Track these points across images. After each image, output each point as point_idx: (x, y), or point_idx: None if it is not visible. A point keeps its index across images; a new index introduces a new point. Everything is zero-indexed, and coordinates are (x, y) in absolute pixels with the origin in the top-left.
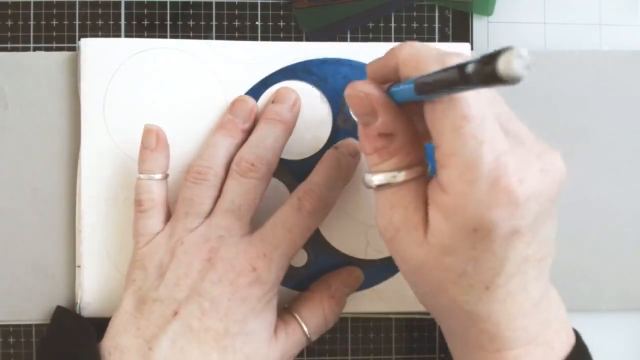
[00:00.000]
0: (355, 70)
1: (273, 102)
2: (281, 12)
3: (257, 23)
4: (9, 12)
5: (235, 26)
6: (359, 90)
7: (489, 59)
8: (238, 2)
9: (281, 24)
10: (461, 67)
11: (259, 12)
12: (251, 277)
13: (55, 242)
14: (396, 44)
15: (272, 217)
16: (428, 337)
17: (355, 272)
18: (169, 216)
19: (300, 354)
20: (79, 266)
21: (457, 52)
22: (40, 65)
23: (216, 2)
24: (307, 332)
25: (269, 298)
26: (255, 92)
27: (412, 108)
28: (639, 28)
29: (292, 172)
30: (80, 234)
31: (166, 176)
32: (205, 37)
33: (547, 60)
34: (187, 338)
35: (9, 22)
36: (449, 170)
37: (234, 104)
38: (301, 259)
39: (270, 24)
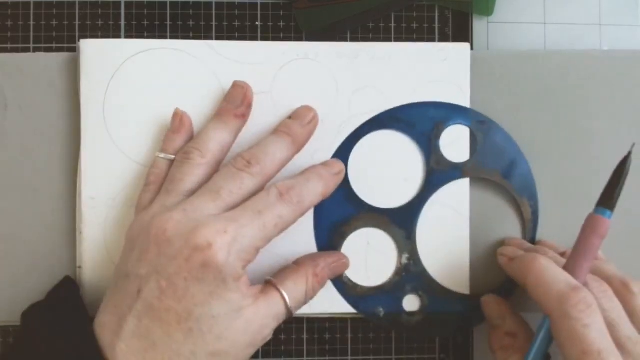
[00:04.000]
0: (440, 109)
1: (290, 118)
2: (281, 12)
3: (257, 23)
4: (9, 12)
5: (235, 26)
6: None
7: None
8: (238, 2)
9: (281, 24)
10: None
11: (259, 12)
12: (206, 256)
13: (55, 242)
14: (395, 43)
15: (245, 201)
16: (428, 337)
17: (343, 259)
18: None
19: (301, 354)
20: (79, 267)
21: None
22: (39, 66)
23: (216, 3)
24: (289, 304)
25: (230, 284)
26: (346, 145)
27: None
28: (639, 28)
29: (392, 220)
30: (80, 234)
31: None
32: (205, 38)
33: (547, 60)
34: (150, 317)
35: (9, 23)
36: None
37: (229, 90)
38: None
39: (270, 24)
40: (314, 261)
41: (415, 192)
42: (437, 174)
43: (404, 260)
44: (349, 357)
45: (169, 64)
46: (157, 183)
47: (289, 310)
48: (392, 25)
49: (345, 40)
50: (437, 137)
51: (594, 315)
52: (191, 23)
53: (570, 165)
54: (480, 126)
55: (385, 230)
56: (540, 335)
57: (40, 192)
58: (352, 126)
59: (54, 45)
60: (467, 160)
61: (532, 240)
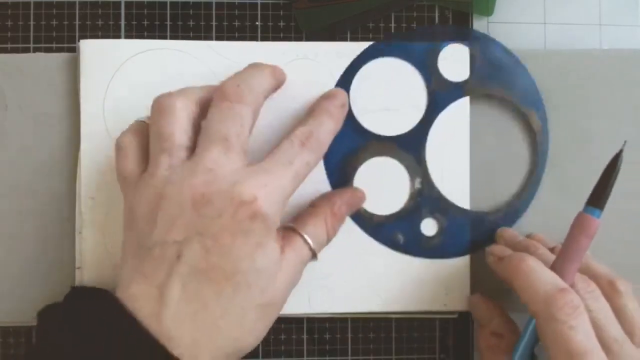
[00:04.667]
0: (436, 31)
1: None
2: (281, 12)
3: (257, 23)
4: (9, 12)
5: (235, 26)
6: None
7: None
8: (238, 2)
9: (281, 24)
10: None
11: (259, 12)
12: (253, 209)
13: (56, 242)
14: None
15: (271, 153)
16: (428, 337)
17: (358, 193)
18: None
19: (301, 354)
20: (79, 267)
21: None
22: (39, 66)
23: (216, 2)
24: (312, 247)
25: (273, 233)
26: (346, 77)
27: None
28: (639, 28)
29: (401, 146)
30: (80, 234)
31: None
32: (205, 38)
33: (547, 60)
34: (198, 279)
35: (9, 23)
36: None
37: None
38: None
39: (270, 24)
40: (330, 200)
41: (420, 116)
42: (439, 95)
43: (417, 185)
44: (349, 357)
45: (169, 64)
46: (132, 147)
47: (313, 253)
48: (392, 25)
49: (345, 40)
50: (435, 58)
51: (580, 318)
52: (191, 23)
53: (570, 165)
54: (477, 42)
55: (395, 157)
56: (526, 336)
57: (40, 192)
58: (348, 59)
59: (54, 45)
60: (468, 78)
61: (545, 153)
